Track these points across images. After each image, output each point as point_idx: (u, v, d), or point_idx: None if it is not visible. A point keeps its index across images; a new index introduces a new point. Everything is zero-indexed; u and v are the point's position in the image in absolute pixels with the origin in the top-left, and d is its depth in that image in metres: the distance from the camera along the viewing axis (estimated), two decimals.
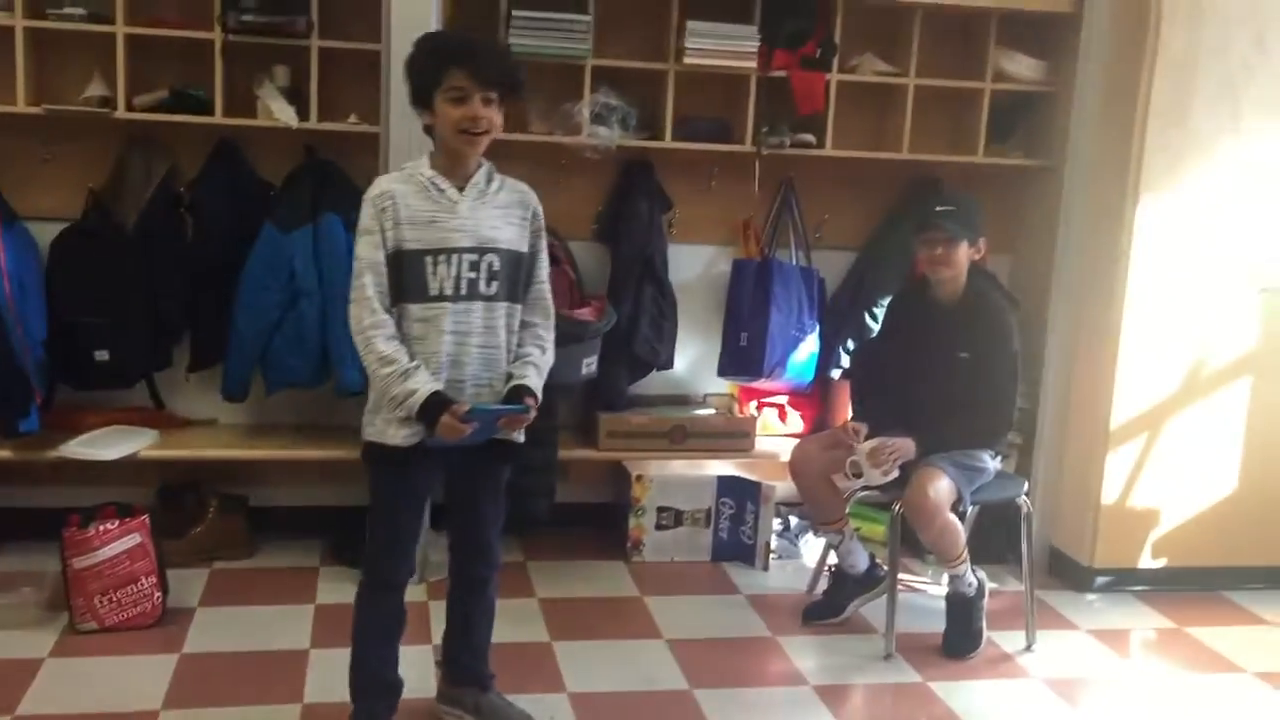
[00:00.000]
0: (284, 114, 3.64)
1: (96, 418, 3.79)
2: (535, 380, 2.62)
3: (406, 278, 2.51)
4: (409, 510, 2.70)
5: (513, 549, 4.08)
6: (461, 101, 2.48)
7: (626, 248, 4.05)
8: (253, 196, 3.79)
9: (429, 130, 2.59)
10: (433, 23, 3.45)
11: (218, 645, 3.28)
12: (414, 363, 2.50)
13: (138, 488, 3.82)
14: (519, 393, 2.59)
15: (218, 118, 3.63)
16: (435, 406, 2.48)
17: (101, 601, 3.27)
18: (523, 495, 3.75)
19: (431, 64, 2.51)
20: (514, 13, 3.67)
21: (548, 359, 2.69)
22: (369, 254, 2.51)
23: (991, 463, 3.44)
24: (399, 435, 2.55)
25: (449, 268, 2.52)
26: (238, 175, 3.81)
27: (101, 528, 3.27)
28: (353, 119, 3.75)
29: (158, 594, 3.36)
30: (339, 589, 3.66)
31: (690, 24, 3.81)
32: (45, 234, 3.69)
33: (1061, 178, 4.05)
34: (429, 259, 2.51)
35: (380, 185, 2.56)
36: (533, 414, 2.60)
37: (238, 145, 3.81)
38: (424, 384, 2.48)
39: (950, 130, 4.29)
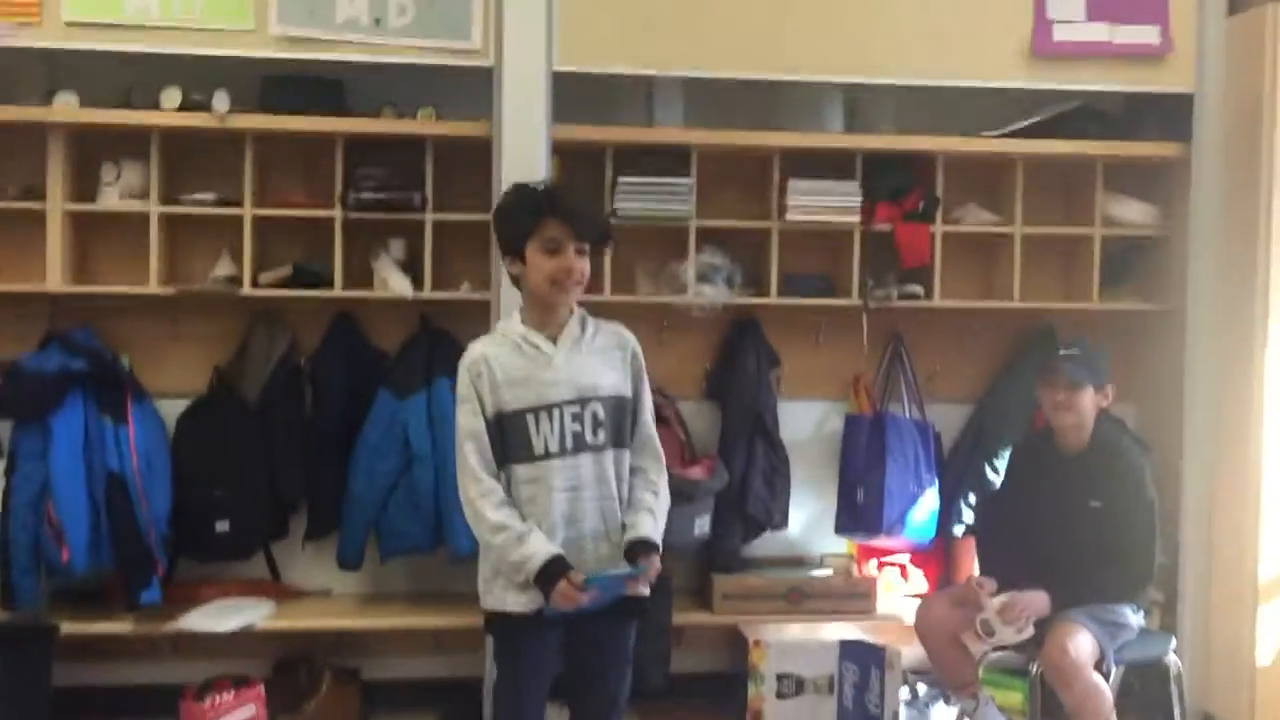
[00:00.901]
0: (400, 285, 3.75)
1: (215, 590, 3.82)
2: (652, 528, 2.53)
3: (510, 439, 2.47)
4: (533, 680, 2.59)
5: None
6: (556, 252, 2.47)
7: (736, 405, 4.03)
8: (369, 366, 3.89)
9: (516, 282, 2.57)
10: None
11: None
12: (527, 526, 2.44)
13: (254, 659, 3.81)
14: (636, 549, 2.50)
15: (337, 291, 3.75)
16: (553, 572, 2.40)
17: None
18: (637, 663, 3.64)
19: (525, 214, 2.51)
20: (619, 178, 3.77)
21: (663, 504, 2.60)
22: (468, 422, 2.48)
23: (1134, 618, 3.25)
24: (519, 601, 2.48)
25: (552, 423, 2.47)
26: (355, 346, 3.92)
27: (217, 699, 3.27)
28: (465, 287, 3.85)
29: None
30: None
31: (792, 182, 3.86)
32: (172, 410, 3.81)
33: (1184, 320, 3.93)
34: (530, 417, 2.47)
35: (473, 351, 2.55)
36: (656, 567, 2.50)
37: (355, 318, 3.93)
38: (540, 547, 2.42)
39: (1062, 278, 4.22)
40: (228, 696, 3.26)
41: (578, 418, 2.49)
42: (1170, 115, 3.93)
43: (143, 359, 3.84)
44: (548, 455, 2.48)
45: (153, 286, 3.68)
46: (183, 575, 3.82)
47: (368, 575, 3.96)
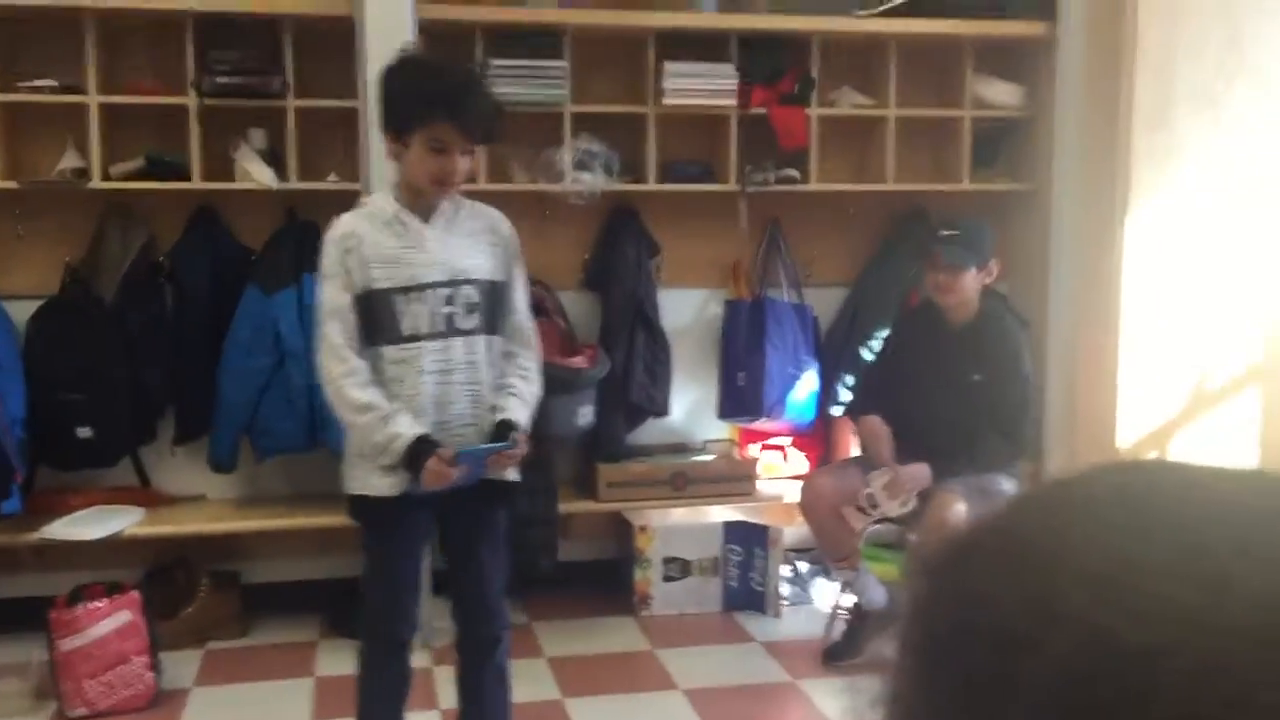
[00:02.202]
0: (262, 176, 3.59)
1: (80, 499, 3.66)
2: (521, 412, 2.47)
3: (377, 319, 2.38)
4: (404, 563, 2.53)
5: (516, 610, 3.92)
6: (440, 153, 2.35)
7: (616, 294, 3.99)
8: (233, 262, 3.73)
9: (393, 158, 2.45)
10: None
11: None
12: (393, 406, 2.36)
13: (126, 569, 3.67)
14: (505, 428, 2.44)
15: (195, 183, 3.57)
16: (420, 452, 2.33)
17: (92, 685, 3.13)
18: (524, 552, 3.65)
19: (417, 104, 2.37)
20: (491, 61, 3.65)
21: (534, 389, 2.53)
22: (333, 298, 2.37)
23: (1009, 485, 3.36)
24: (384, 484, 2.39)
25: (422, 304, 2.39)
26: (217, 241, 3.75)
27: (90, 606, 3.14)
28: (332, 178, 3.71)
29: (150, 675, 3.21)
30: (339, 661, 3.50)
31: (668, 65, 3.80)
32: (22, 312, 3.60)
33: (1049, 199, 4.03)
34: (400, 297, 2.38)
35: (343, 225, 2.43)
36: (522, 448, 2.45)
37: (216, 211, 3.75)
38: (407, 428, 2.34)
39: (934, 160, 4.28)
40: (101, 603, 3.14)
41: (450, 300, 2.41)
42: None
43: None
44: (416, 337, 2.40)
45: None
46: (45, 485, 3.66)
47: (243, 478, 3.85)
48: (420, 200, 2.44)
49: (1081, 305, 3.98)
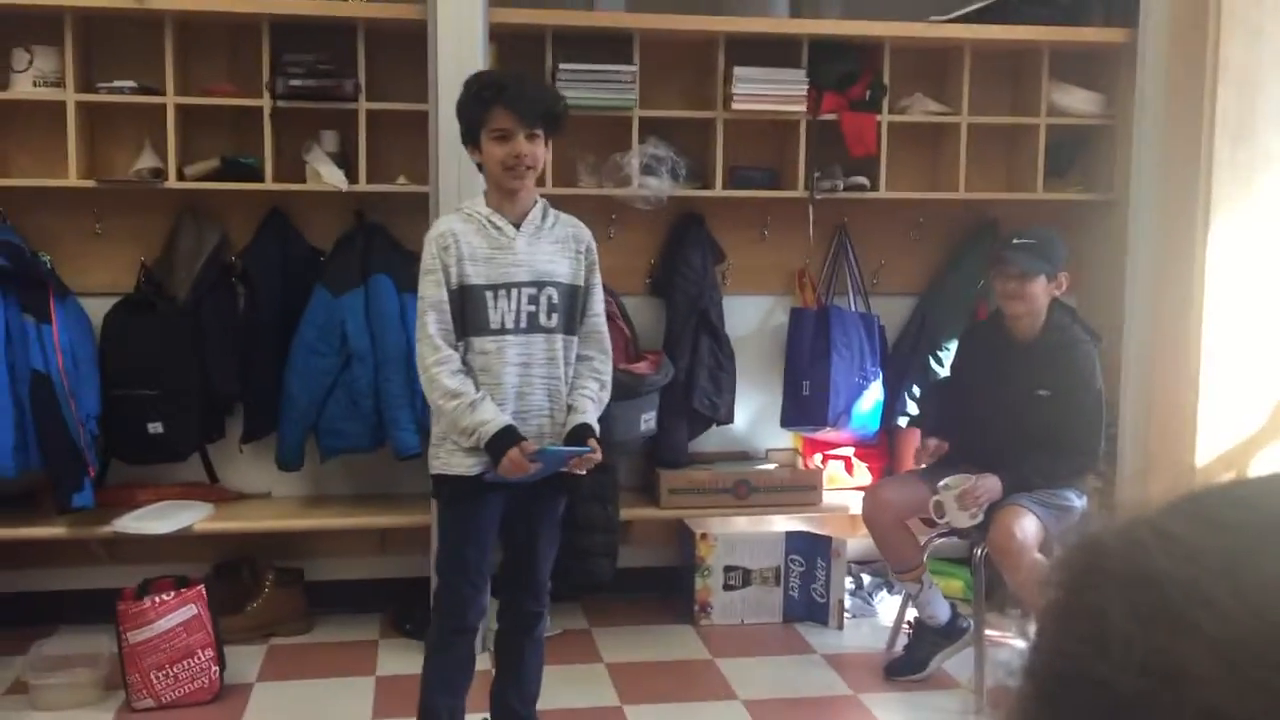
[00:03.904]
0: (333, 178, 3.62)
1: (150, 493, 3.73)
2: (593, 415, 2.66)
3: (469, 312, 2.57)
4: (477, 544, 2.67)
5: (576, 615, 3.94)
6: (505, 140, 2.55)
7: (681, 300, 3.97)
8: (303, 262, 3.77)
9: (481, 168, 2.66)
10: None
11: (278, 719, 3.16)
12: (480, 394, 2.53)
13: (192, 564, 3.73)
14: (580, 433, 2.61)
15: (268, 184, 3.61)
16: (505, 440, 2.49)
17: (158, 677, 3.17)
18: (585, 557, 3.64)
19: (476, 104, 2.60)
20: (559, 66, 3.65)
21: (604, 394, 2.71)
22: (432, 292, 2.57)
23: (1078, 502, 3.28)
24: (466, 464, 2.57)
25: (509, 301, 2.57)
26: (288, 242, 3.79)
27: (157, 599, 3.18)
28: (401, 180, 3.73)
29: (215, 669, 3.25)
30: (399, 660, 3.54)
31: (737, 70, 3.77)
32: (98, 309, 3.66)
33: (1125, 210, 3.94)
34: (489, 293, 2.57)
35: (441, 225, 2.64)
36: (598, 454, 2.61)
37: (287, 213, 3.80)
38: (494, 415, 2.51)
39: (1006, 168, 4.20)
40: (168, 596, 3.18)
41: (534, 299, 2.60)
42: (1117, 1, 3.88)
43: (64, 256, 3.67)
44: (503, 330, 2.58)
45: (72, 179, 3.50)
46: (116, 479, 3.72)
47: (308, 477, 3.89)
48: (511, 205, 2.63)
49: (1159, 319, 3.88)
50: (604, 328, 2.75)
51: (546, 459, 2.52)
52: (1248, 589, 0.38)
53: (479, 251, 2.58)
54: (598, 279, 2.75)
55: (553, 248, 2.65)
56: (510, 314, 2.57)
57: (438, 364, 2.53)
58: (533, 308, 2.59)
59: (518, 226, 2.62)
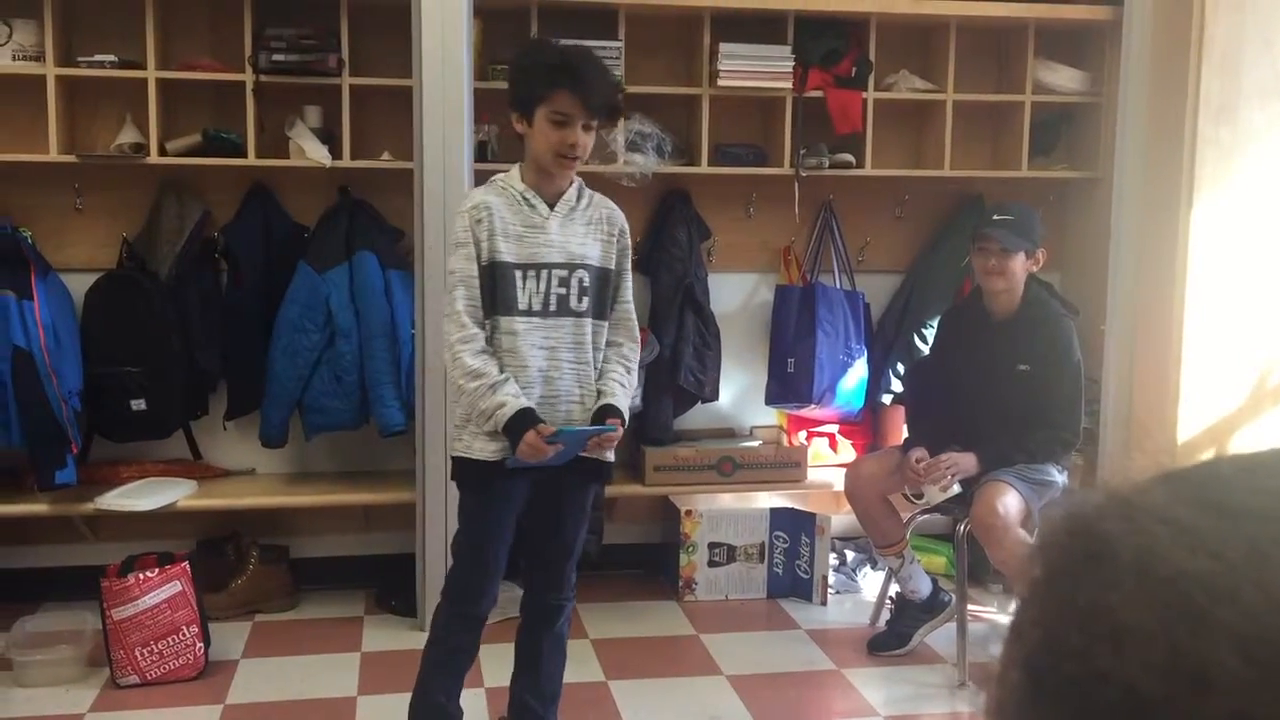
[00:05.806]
0: (316, 153, 3.61)
1: (133, 470, 3.72)
2: (622, 400, 2.57)
3: (499, 290, 2.49)
4: (496, 531, 2.58)
5: None
6: (564, 125, 2.44)
7: (666, 278, 3.97)
8: (287, 239, 3.75)
9: (520, 138, 2.55)
10: (464, 56, 3.42)
11: (263, 696, 3.17)
12: (502, 376, 2.45)
13: (177, 541, 3.72)
14: (605, 413, 2.53)
15: (250, 159, 3.59)
16: (522, 423, 2.41)
17: (142, 654, 3.17)
18: None
19: (541, 78, 2.47)
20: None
21: (633, 379, 2.65)
22: (463, 267, 2.48)
23: (1059, 478, 3.30)
24: (487, 449, 2.49)
25: (539, 283, 2.49)
26: (271, 218, 3.77)
27: (141, 575, 3.18)
28: (385, 156, 3.71)
29: (199, 645, 3.25)
30: (384, 636, 3.55)
31: (723, 46, 3.76)
32: (80, 284, 3.64)
33: (1110, 188, 3.94)
34: (519, 273, 2.48)
35: (475, 197, 2.54)
36: (620, 434, 2.54)
37: (270, 189, 3.77)
38: (512, 398, 2.43)
39: (992, 146, 4.21)
40: (152, 573, 3.17)
41: (564, 282, 2.51)
42: None
43: (45, 232, 3.65)
44: (530, 312, 2.50)
45: (52, 154, 3.47)
46: (99, 456, 3.71)
47: (293, 453, 3.88)
48: (546, 183, 2.54)
49: (1141, 296, 3.89)
50: (633, 315, 2.66)
51: (566, 439, 2.44)
52: (1273, 582, 0.36)
53: (511, 228, 2.48)
54: (629, 264, 2.65)
55: (585, 229, 2.55)
56: (539, 295, 2.48)
57: (462, 341, 2.45)
58: (563, 290, 2.50)
59: (552, 206, 2.52)
